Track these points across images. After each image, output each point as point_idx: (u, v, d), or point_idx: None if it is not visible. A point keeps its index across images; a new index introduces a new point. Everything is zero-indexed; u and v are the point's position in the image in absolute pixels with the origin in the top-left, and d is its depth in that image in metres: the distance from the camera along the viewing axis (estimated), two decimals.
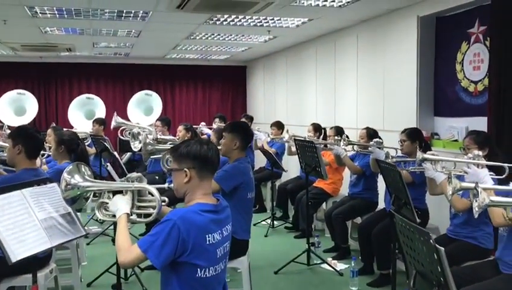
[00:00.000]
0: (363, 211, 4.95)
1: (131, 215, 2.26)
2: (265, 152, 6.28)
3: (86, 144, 6.48)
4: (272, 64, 9.02)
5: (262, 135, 7.04)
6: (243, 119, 7.99)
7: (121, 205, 2.23)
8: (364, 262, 4.50)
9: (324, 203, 5.89)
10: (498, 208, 2.58)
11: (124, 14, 5.34)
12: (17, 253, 2.12)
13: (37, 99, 8.73)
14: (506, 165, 2.74)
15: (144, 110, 9.00)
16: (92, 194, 2.43)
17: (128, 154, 8.39)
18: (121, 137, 7.25)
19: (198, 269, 2.06)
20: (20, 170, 3.19)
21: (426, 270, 1.86)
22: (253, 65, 10.08)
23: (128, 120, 8.62)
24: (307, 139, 5.01)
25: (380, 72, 5.65)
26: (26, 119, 8.46)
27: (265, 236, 5.88)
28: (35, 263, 2.48)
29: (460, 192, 2.73)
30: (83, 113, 8.78)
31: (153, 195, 2.26)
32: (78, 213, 2.70)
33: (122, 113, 9.02)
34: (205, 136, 8.69)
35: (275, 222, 6.31)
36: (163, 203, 2.27)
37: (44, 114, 9.27)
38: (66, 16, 5.31)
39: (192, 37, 6.93)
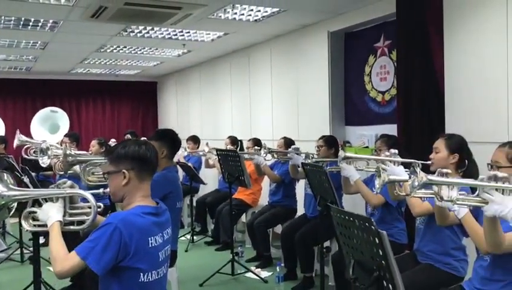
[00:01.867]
0: (284, 218, 5.07)
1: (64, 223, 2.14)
2: (183, 166, 6.21)
3: None
4: (185, 79, 9.00)
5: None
6: (189, 142, 7.81)
7: (52, 213, 2.11)
8: (288, 267, 4.61)
9: (244, 215, 5.94)
10: (417, 199, 2.80)
11: (31, 23, 5.05)
12: None
13: None
14: (419, 161, 2.97)
15: (49, 128, 8.49)
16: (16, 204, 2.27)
17: (32, 174, 7.84)
18: (26, 156, 6.76)
19: (141, 273, 2.00)
20: None
21: (366, 257, 1.96)
22: (165, 80, 9.98)
23: (32, 138, 8.09)
24: (229, 149, 5.05)
25: (293, 85, 5.88)
26: None
27: (186, 251, 5.78)
28: None
29: (379, 189, 2.89)
30: None
31: (88, 201, 2.16)
32: None
33: (24, 132, 8.44)
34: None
35: (194, 237, 6.24)
36: (98, 209, 2.18)
37: None
38: None
39: (102, 50, 6.72)
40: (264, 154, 4.83)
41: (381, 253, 1.82)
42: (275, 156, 4.93)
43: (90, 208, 2.18)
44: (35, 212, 2.16)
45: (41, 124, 8.45)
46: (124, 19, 4.78)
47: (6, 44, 6.18)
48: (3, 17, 4.80)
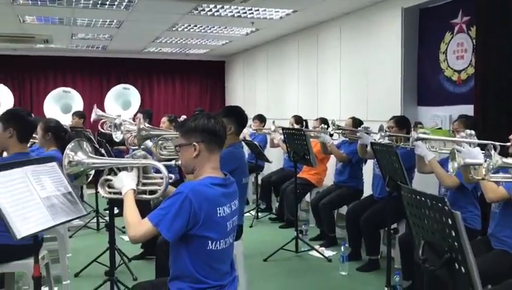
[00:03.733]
0: (349, 200, 5.00)
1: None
2: (249, 144, 6.28)
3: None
4: (252, 58, 9.03)
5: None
6: (255, 120, 7.96)
7: (126, 182, 2.21)
8: (353, 248, 4.57)
9: (308, 194, 5.93)
10: (492, 184, 2.67)
11: (108, 2, 5.25)
12: (22, 230, 2.06)
13: (12, 92, 8.48)
14: (497, 143, 2.81)
15: (122, 104, 8.86)
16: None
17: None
18: (102, 130, 7.13)
19: (210, 241, 2.06)
20: (11, 154, 3.10)
21: (437, 238, 1.91)
22: (233, 60, 10.07)
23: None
24: (296, 128, 5.03)
25: (363, 64, 5.73)
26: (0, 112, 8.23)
27: (250, 227, 5.89)
28: (35, 245, 2.43)
29: (453, 173, 2.80)
30: (59, 106, 8.57)
31: (160, 172, 2.24)
32: None
33: (99, 108, 8.87)
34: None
35: (259, 214, 6.33)
36: (170, 180, 2.25)
37: (19, 106, 8.99)
38: (48, 2, 5.18)
39: (173, 29, 6.88)
40: (332, 131, 4.77)
41: (453, 234, 1.76)
42: (343, 134, 4.85)
43: (162, 178, 2.26)
44: (111, 180, 2.27)
45: (115, 100, 8.84)
46: None
47: (85, 23, 6.47)
48: None
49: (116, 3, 5.28)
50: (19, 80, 9.13)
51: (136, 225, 2.04)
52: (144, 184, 2.28)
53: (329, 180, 5.66)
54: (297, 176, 5.85)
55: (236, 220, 2.26)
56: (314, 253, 4.73)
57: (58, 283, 3.95)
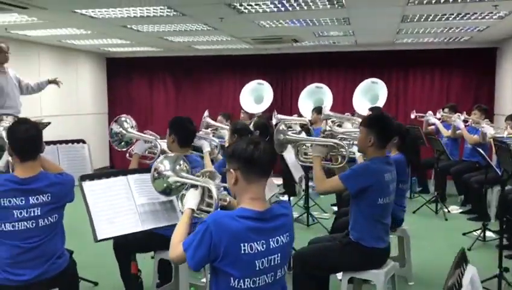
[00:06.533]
0: None
1: (198, 210, 2.27)
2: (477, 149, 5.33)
3: None
4: None
5: (491, 129, 6.15)
6: (475, 111, 7.05)
7: (188, 199, 2.26)
8: None
9: None
10: None
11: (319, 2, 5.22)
12: (103, 233, 2.37)
13: (273, 88, 9.37)
14: None
15: (370, 99, 8.73)
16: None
17: None
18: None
19: (231, 278, 1.93)
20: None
21: None
22: (505, 46, 8.54)
23: (353, 110, 8.52)
24: (503, 140, 4.01)
25: None
26: (263, 107, 9.24)
27: (469, 250, 5.01)
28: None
29: None
30: (312, 101, 9.05)
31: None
32: None
33: (349, 101, 8.92)
34: (432, 127, 7.92)
35: (491, 235, 5.31)
36: (224, 203, 2.19)
37: (280, 102, 9.89)
38: (278, 9, 5.45)
39: (408, 20, 6.32)
40: None
41: None
42: None
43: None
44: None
45: (363, 95, 8.79)
46: None
47: (321, 22, 6.52)
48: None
49: (327, 2, 5.21)
50: (281, 77, 9.97)
51: (174, 246, 2.07)
52: (208, 204, 2.27)
53: None
54: None
55: (281, 257, 2.01)
56: None
57: None
